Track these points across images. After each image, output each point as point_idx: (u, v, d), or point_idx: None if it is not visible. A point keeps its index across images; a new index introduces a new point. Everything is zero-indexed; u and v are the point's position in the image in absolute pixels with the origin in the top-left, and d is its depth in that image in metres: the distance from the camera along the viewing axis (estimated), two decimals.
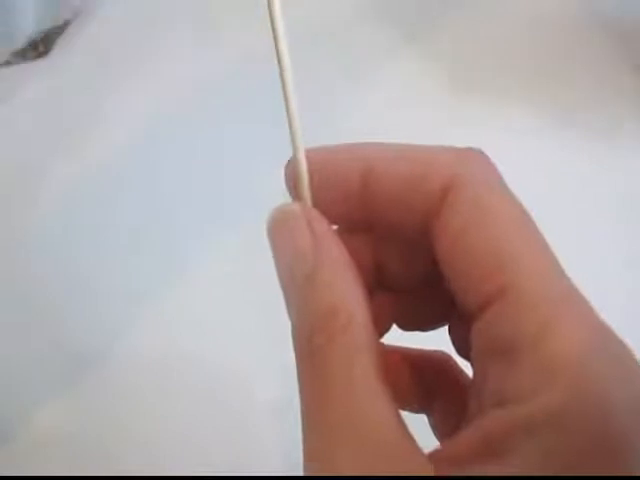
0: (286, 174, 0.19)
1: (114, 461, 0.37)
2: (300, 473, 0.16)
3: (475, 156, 0.18)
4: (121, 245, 0.49)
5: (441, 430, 0.20)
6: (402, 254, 0.19)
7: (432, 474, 0.14)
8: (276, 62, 0.18)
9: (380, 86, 0.57)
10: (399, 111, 0.54)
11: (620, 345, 0.15)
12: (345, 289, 0.16)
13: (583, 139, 0.49)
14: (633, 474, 0.14)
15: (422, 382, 0.20)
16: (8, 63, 0.70)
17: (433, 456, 0.16)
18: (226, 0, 0.68)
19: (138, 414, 0.40)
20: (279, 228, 0.17)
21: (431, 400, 0.20)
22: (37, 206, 0.54)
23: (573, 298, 0.15)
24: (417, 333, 0.21)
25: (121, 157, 0.56)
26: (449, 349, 0.20)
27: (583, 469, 0.13)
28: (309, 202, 0.18)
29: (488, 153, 0.18)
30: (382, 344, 0.20)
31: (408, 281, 0.19)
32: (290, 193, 0.19)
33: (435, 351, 0.21)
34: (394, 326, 0.21)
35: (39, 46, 0.70)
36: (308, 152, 0.18)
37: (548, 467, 0.14)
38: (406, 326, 0.21)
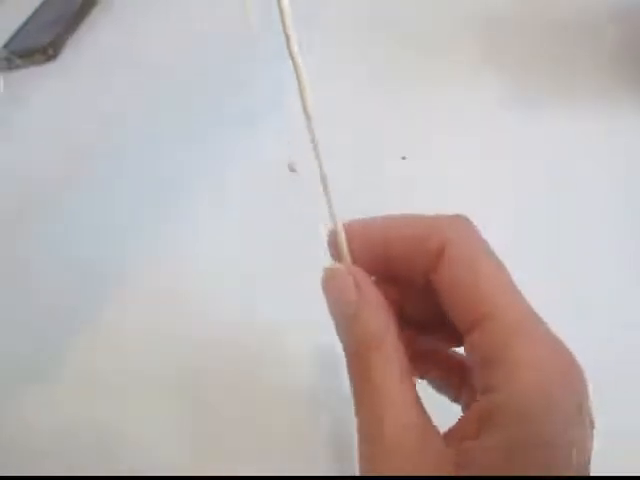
0: (328, 243, 0.25)
1: (110, 460, 0.37)
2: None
3: (462, 222, 0.24)
4: (119, 232, 0.49)
5: None
6: (415, 298, 0.25)
7: (452, 457, 0.20)
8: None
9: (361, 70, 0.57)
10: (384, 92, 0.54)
11: (564, 356, 0.21)
12: (379, 322, 0.22)
13: (582, 121, 0.49)
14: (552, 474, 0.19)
15: (452, 376, 0.27)
16: (18, 67, 0.71)
17: (447, 436, 0.22)
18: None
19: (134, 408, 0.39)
20: (330, 282, 0.24)
21: (460, 390, 0.27)
22: (42, 206, 0.54)
23: (532, 326, 0.21)
24: None
25: (129, 159, 0.56)
26: None
27: (524, 456, 0.19)
28: (349, 261, 0.24)
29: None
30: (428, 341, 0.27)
31: (423, 317, 0.25)
32: (332, 257, 0.25)
33: (460, 354, 0.27)
34: None
35: (48, 50, 0.71)
36: (345, 225, 0.24)
37: (508, 442, 0.19)
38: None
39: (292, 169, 0.50)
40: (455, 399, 0.27)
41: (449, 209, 0.45)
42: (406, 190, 0.48)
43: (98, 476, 0.36)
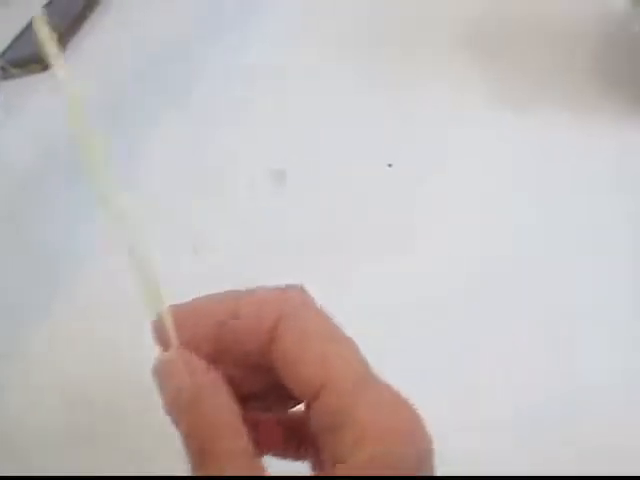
0: (154, 329, 0.24)
1: None
2: None
3: (295, 294, 0.24)
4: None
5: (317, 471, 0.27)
6: (251, 373, 0.24)
7: None
8: None
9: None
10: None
11: (405, 416, 0.21)
12: (222, 408, 0.22)
13: (569, 127, 0.50)
14: None
15: (293, 437, 0.26)
16: (13, 76, 0.71)
17: None
18: None
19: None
20: (161, 373, 0.23)
21: (302, 451, 0.26)
22: (38, 210, 0.54)
23: (369, 387, 0.22)
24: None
25: (128, 169, 0.56)
26: None
27: None
28: (178, 346, 0.23)
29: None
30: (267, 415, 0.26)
31: (260, 389, 0.25)
32: (158, 344, 0.24)
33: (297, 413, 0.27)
34: None
35: (44, 60, 0.71)
36: (171, 308, 0.23)
37: None
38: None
39: (280, 176, 0.50)
40: (296, 459, 0.27)
41: (434, 216, 0.46)
42: (391, 197, 0.48)
43: (97, 476, 0.36)
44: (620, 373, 0.36)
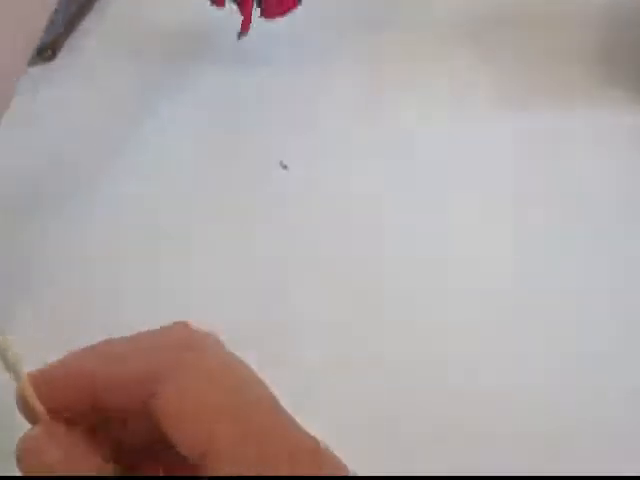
0: (17, 403, 0.21)
1: None
2: None
3: (179, 336, 0.21)
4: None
5: None
6: (136, 428, 0.22)
7: None
8: None
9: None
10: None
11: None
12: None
13: (571, 119, 0.50)
14: None
15: None
16: None
17: None
18: None
19: None
20: (26, 454, 0.20)
21: None
22: (39, 210, 0.54)
23: (262, 442, 0.19)
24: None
25: (127, 161, 0.56)
26: None
27: None
28: (46, 420, 0.21)
29: None
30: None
31: (149, 445, 0.22)
32: (23, 416, 0.21)
33: None
34: None
35: (46, 51, 0.71)
36: (32, 377, 0.21)
37: None
38: None
39: (283, 166, 0.50)
40: None
41: (433, 215, 0.45)
42: (389, 197, 0.48)
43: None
44: (621, 373, 0.36)
